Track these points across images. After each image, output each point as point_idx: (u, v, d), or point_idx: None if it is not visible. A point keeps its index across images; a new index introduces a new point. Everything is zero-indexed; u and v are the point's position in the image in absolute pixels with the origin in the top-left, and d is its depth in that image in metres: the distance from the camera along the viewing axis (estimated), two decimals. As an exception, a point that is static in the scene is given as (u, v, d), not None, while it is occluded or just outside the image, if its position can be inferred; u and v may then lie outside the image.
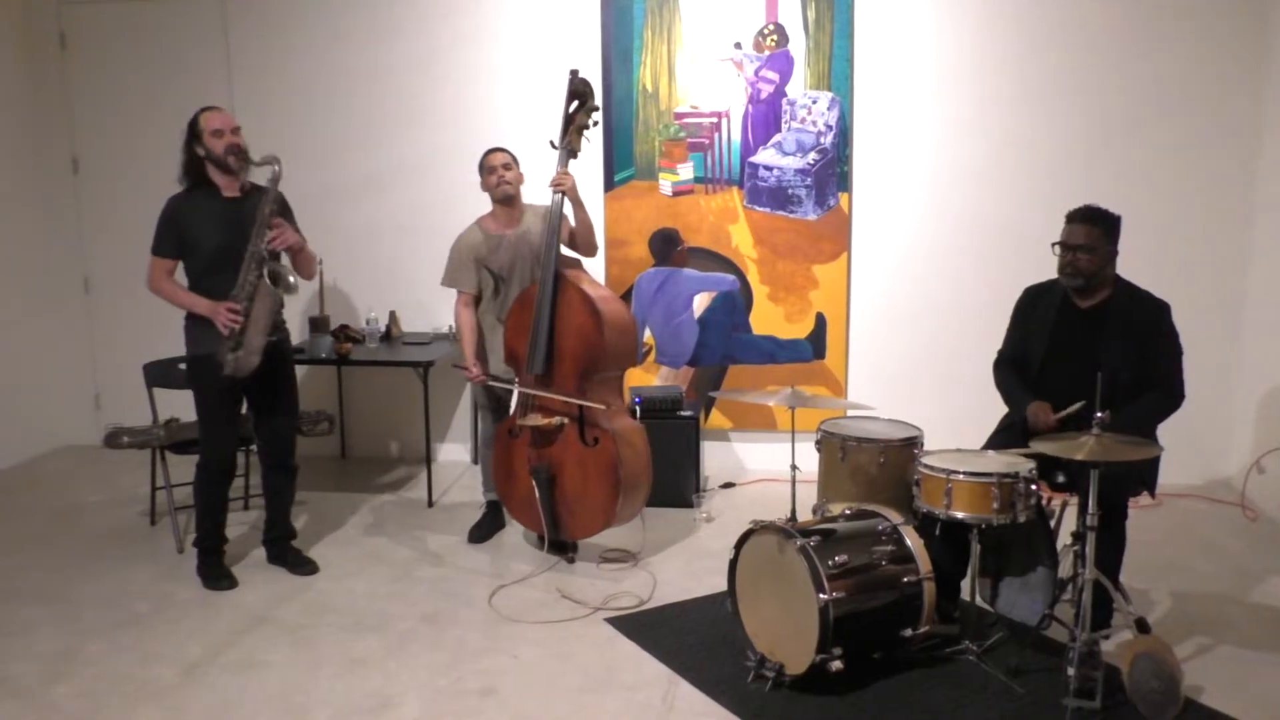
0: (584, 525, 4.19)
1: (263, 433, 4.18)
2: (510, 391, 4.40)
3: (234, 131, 3.86)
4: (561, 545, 4.33)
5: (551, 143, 4.25)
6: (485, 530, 4.61)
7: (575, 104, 4.19)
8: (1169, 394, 3.44)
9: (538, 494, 4.17)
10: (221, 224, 3.86)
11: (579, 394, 4.08)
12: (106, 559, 4.38)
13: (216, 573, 4.08)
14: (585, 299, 4.08)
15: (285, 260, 3.96)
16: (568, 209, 4.24)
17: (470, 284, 4.36)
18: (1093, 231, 3.43)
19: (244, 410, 4.15)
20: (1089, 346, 3.46)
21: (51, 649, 3.56)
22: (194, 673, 3.38)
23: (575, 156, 4.24)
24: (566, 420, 4.14)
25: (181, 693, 3.25)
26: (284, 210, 4.02)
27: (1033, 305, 3.59)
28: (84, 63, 5.89)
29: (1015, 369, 3.67)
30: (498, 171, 4.30)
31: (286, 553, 4.26)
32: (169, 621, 3.77)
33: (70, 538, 4.66)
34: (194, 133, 3.86)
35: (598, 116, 4.29)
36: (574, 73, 4.20)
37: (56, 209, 6.00)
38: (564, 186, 4.14)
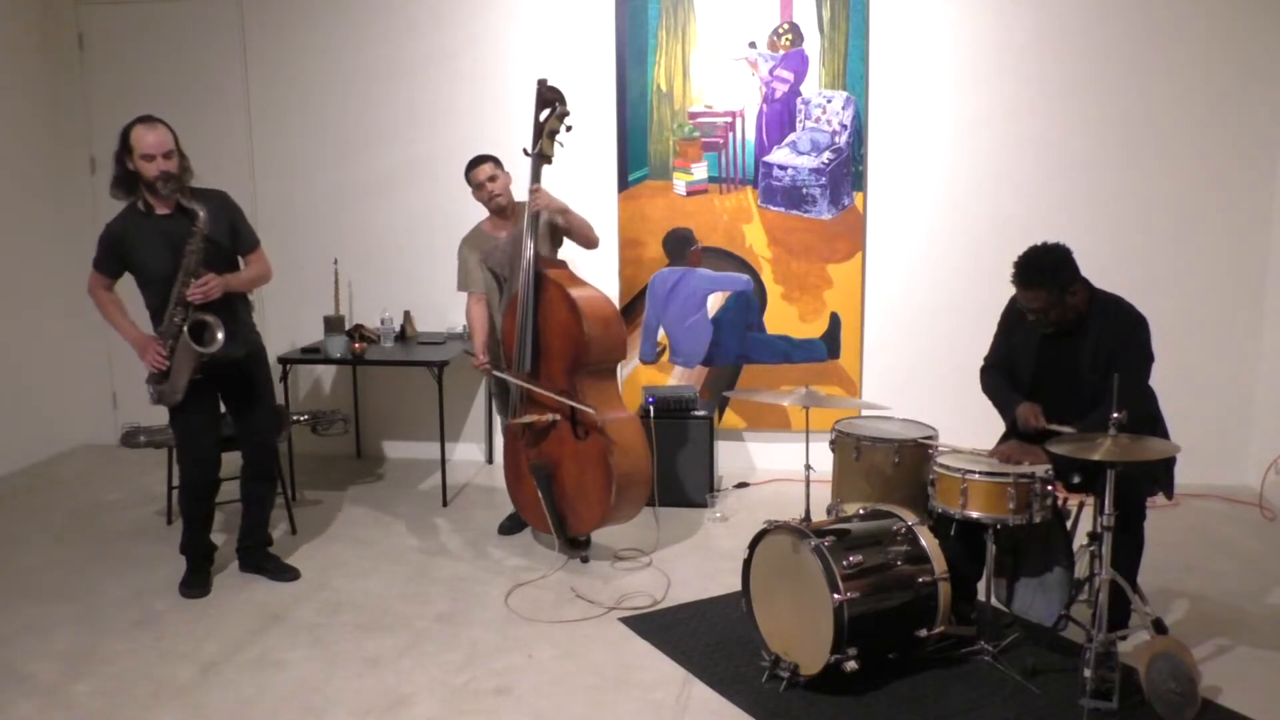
0: (584, 519, 4.21)
1: (242, 441, 4.12)
2: (514, 384, 4.41)
3: (166, 156, 3.67)
4: (574, 542, 4.34)
5: (525, 150, 4.32)
6: (515, 523, 4.66)
7: (547, 111, 4.24)
8: (1130, 402, 3.30)
9: (540, 492, 4.22)
10: (165, 246, 3.74)
11: (569, 388, 4.14)
12: (124, 558, 4.41)
13: (192, 579, 4.05)
14: (564, 296, 4.14)
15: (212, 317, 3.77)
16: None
17: (480, 284, 4.51)
18: (1040, 294, 3.32)
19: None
20: (1071, 360, 3.43)
21: (70, 647, 3.59)
22: (211, 671, 3.40)
23: (549, 162, 4.29)
24: (558, 416, 4.20)
25: (199, 691, 3.27)
26: (233, 230, 3.90)
27: (1018, 317, 3.55)
28: (101, 63, 5.93)
29: (1004, 375, 3.63)
30: (485, 187, 4.45)
31: (265, 560, 4.20)
32: (186, 620, 3.79)
33: (88, 536, 4.69)
34: (125, 147, 3.69)
35: (570, 121, 4.28)
36: (542, 81, 4.26)
37: (74, 209, 6.03)
38: (539, 204, 4.23)
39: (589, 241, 4.50)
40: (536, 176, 4.25)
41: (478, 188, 4.47)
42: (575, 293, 4.15)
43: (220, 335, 3.74)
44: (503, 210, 4.49)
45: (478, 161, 4.48)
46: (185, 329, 3.72)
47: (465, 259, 4.53)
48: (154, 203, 3.77)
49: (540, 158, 4.26)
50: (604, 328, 4.16)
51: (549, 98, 4.23)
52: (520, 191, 4.51)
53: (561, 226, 4.42)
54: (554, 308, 4.19)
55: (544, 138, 4.24)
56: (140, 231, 3.78)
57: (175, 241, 3.74)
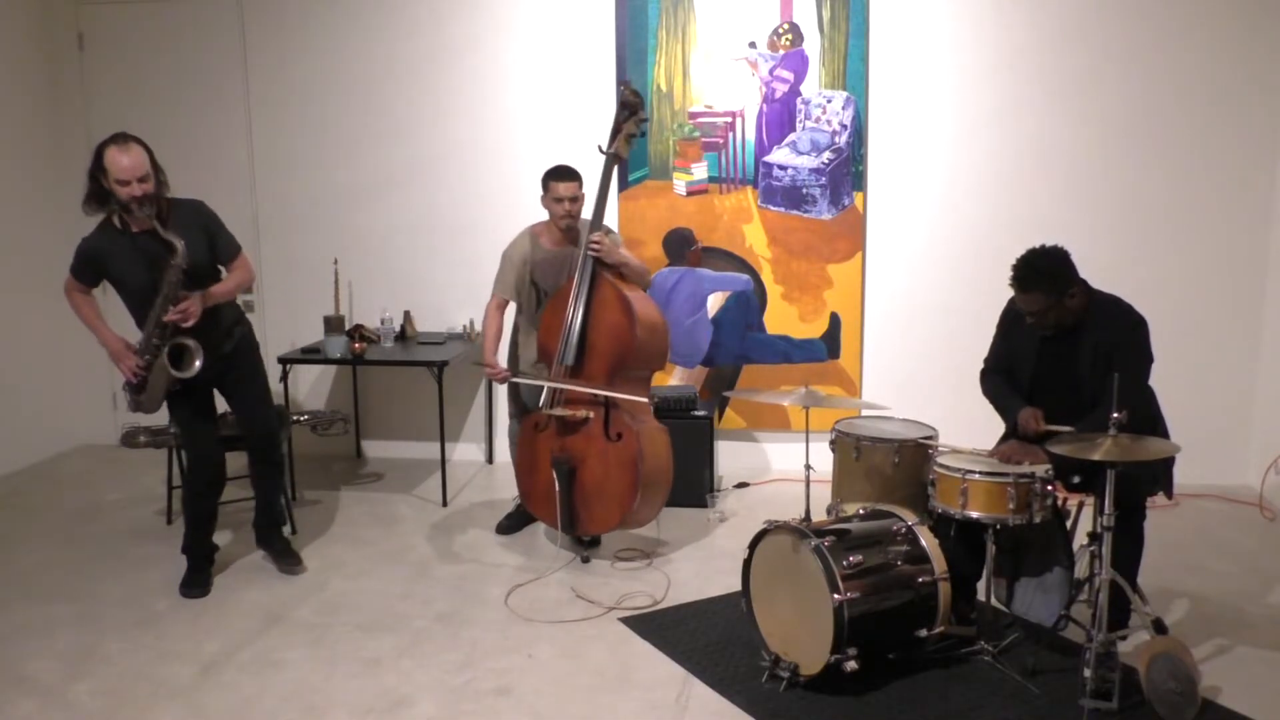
0: (599, 519, 4.20)
1: (243, 433, 4.14)
2: (536, 387, 4.39)
3: (141, 180, 3.59)
4: (580, 540, 4.34)
5: (600, 148, 4.31)
6: (514, 523, 4.66)
7: (625, 114, 4.28)
8: (1130, 403, 3.30)
9: (557, 486, 4.20)
10: (143, 263, 3.72)
11: (608, 388, 4.13)
12: (124, 558, 4.41)
13: (192, 579, 4.04)
14: (620, 297, 4.13)
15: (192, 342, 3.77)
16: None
17: (507, 289, 4.42)
18: (1038, 298, 3.32)
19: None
20: (1071, 361, 3.43)
21: (71, 647, 3.59)
22: (211, 671, 3.40)
23: (620, 162, 4.33)
24: (592, 414, 4.17)
25: (199, 691, 3.27)
26: (211, 243, 3.87)
27: (1016, 319, 3.54)
28: (102, 63, 5.93)
29: (1004, 378, 3.63)
30: (565, 204, 4.29)
31: (274, 540, 4.24)
32: (186, 620, 3.79)
33: (88, 536, 4.69)
34: (99, 166, 3.62)
35: (646, 127, 4.34)
36: (626, 84, 4.31)
37: (74, 209, 5.97)
38: (600, 252, 4.17)
39: (643, 286, 4.43)
40: (606, 183, 4.24)
41: (556, 201, 4.29)
42: (630, 294, 4.15)
43: (198, 363, 3.75)
44: (571, 230, 4.36)
45: (567, 175, 4.30)
46: (164, 352, 3.74)
47: (510, 263, 4.40)
48: (129, 220, 3.73)
49: (614, 158, 4.29)
50: (652, 333, 4.18)
51: (633, 102, 4.27)
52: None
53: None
54: (608, 307, 4.15)
55: (621, 139, 4.28)
56: (118, 249, 3.76)
57: (153, 258, 3.71)
